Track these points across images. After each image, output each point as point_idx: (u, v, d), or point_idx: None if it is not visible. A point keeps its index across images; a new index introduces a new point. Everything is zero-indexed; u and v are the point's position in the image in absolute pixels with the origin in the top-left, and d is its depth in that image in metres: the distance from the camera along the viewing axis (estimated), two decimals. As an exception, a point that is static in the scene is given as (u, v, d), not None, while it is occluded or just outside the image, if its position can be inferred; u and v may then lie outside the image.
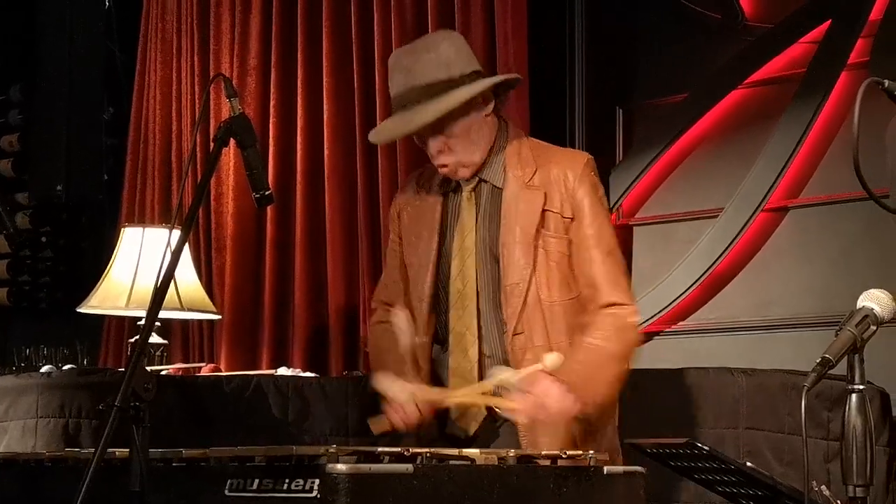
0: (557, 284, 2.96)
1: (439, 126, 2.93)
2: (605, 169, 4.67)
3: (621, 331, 2.94)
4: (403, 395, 2.93)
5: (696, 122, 4.51)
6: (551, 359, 2.86)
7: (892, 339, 3.14)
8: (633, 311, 2.98)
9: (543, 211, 2.96)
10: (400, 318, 3.01)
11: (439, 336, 3.06)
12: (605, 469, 2.64)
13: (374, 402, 3.05)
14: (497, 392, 2.91)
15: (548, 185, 2.97)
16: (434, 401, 2.96)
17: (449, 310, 3.02)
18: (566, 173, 2.98)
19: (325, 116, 5.17)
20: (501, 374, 2.88)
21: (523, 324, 2.95)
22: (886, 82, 2.30)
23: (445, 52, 2.93)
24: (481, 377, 2.97)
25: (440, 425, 3.03)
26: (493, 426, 2.99)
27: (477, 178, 3.02)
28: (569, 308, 2.97)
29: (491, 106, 2.99)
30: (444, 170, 3.00)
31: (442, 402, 2.97)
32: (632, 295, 3.01)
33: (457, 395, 2.96)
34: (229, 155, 5.21)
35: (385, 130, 3.11)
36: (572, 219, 2.97)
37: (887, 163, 3.10)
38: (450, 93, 2.90)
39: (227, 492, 2.44)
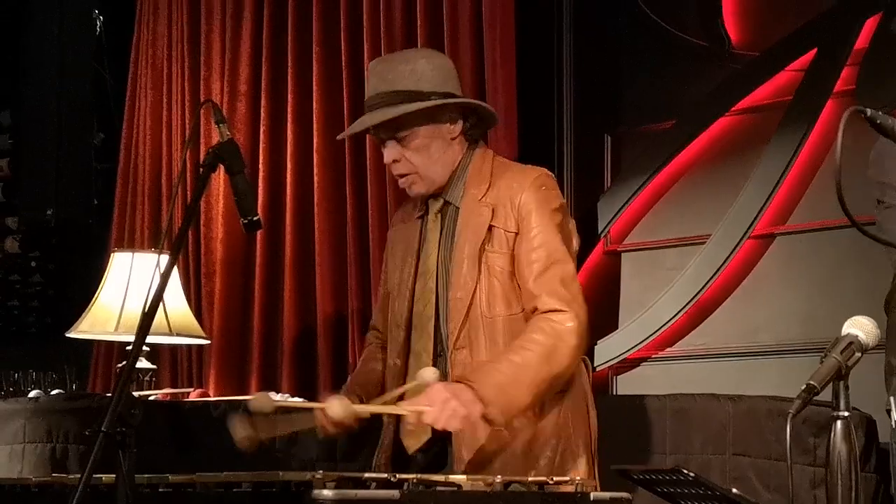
0: (500, 300, 2.96)
1: (397, 132, 2.97)
2: (592, 195, 4.71)
3: (553, 335, 2.88)
4: (338, 411, 2.87)
5: (684, 150, 4.53)
6: (428, 373, 2.85)
7: (877, 366, 3.15)
8: (570, 317, 2.89)
9: (490, 227, 2.97)
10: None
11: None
12: (592, 495, 2.65)
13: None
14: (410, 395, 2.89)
15: (497, 200, 2.98)
16: (357, 412, 2.90)
17: (411, 331, 3.04)
18: (515, 188, 2.98)
19: (314, 141, 5.18)
20: (425, 375, 2.88)
21: (465, 338, 2.96)
22: (869, 111, 2.32)
23: (421, 67, 2.98)
24: None
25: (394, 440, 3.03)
26: (434, 446, 2.98)
27: (442, 200, 3.04)
28: (511, 324, 2.96)
29: (458, 128, 3.01)
30: (401, 181, 3.04)
31: (361, 413, 2.91)
32: (572, 301, 2.91)
33: (371, 407, 2.94)
34: (218, 180, 5.22)
35: (348, 129, 3.19)
36: (516, 233, 2.96)
37: (869, 176, 3.13)
38: (412, 103, 2.93)
39: (213, 517, 2.44)
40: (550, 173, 3.07)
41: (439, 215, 3.05)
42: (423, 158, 2.98)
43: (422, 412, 2.81)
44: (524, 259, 2.95)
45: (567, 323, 2.89)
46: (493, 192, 2.99)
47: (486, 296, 2.96)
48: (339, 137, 3.29)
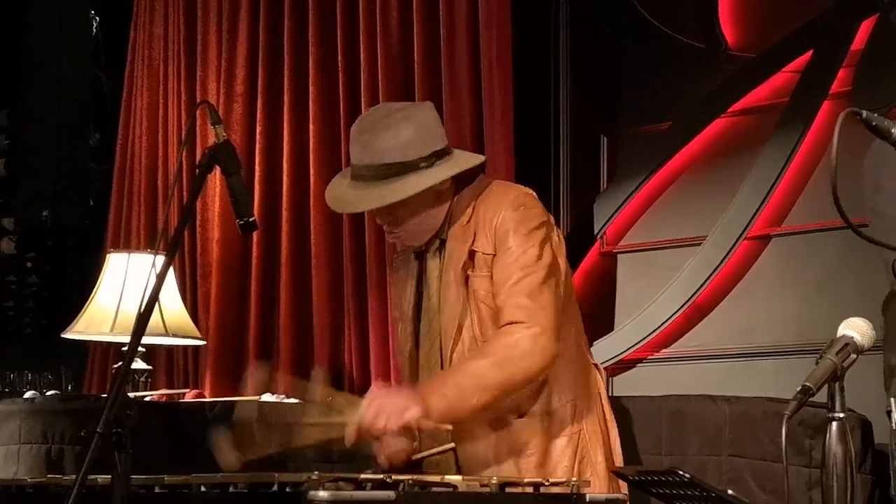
0: (489, 322, 2.94)
1: (386, 209, 2.95)
2: (589, 197, 4.71)
3: (508, 344, 2.84)
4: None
5: (680, 151, 4.53)
6: None
7: (873, 367, 3.15)
8: (528, 325, 2.84)
9: (472, 252, 2.96)
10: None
11: None
12: (588, 496, 2.65)
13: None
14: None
15: (477, 225, 2.96)
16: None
17: (419, 371, 3.04)
18: (492, 210, 2.96)
19: (310, 143, 5.18)
20: None
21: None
22: (864, 113, 2.32)
23: (404, 134, 2.91)
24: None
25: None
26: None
27: (438, 240, 3.03)
28: None
29: (447, 185, 2.98)
30: (392, 237, 3.03)
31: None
32: (537, 311, 2.87)
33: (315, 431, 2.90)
34: (214, 181, 5.22)
35: (335, 200, 3.08)
36: (494, 254, 2.94)
37: (865, 191, 3.12)
38: (402, 177, 2.90)
39: (209, 518, 2.44)
40: (531, 192, 3.02)
41: (437, 253, 3.05)
42: (415, 219, 2.97)
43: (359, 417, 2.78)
44: (499, 277, 2.92)
45: (523, 332, 2.85)
46: (475, 218, 2.98)
47: (477, 320, 2.95)
48: (334, 209, 3.18)
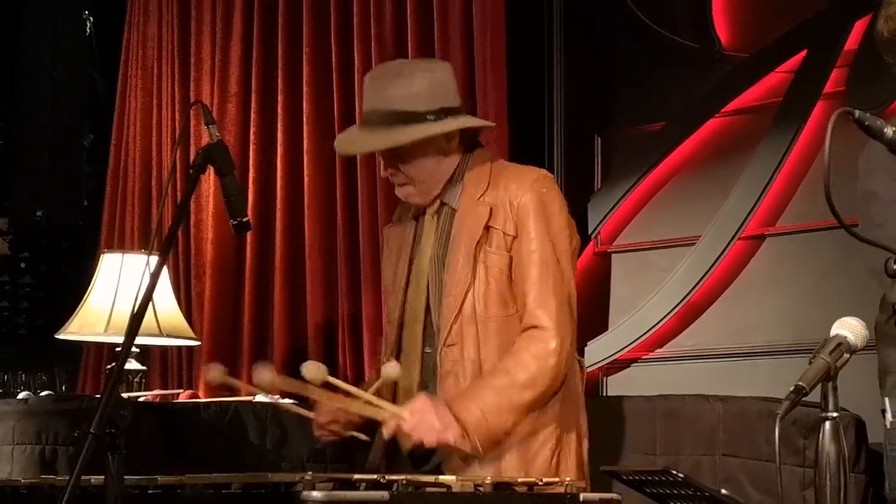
0: (494, 300, 2.96)
1: (391, 156, 2.98)
2: (583, 196, 4.71)
3: (537, 358, 2.91)
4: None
5: (674, 151, 4.53)
6: (391, 368, 2.93)
7: (866, 367, 3.16)
8: (552, 336, 2.92)
9: (488, 227, 2.97)
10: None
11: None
12: (581, 496, 2.65)
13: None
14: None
15: (495, 201, 2.99)
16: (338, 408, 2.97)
17: (403, 329, 3.05)
18: (514, 190, 2.98)
19: (304, 143, 5.18)
20: (388, 370, 2.94)
21: (456, 335, 2.96)
22: (857, 112, 2.32)
23: (418, 85, 2.96)
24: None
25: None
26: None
27: (439, 202, 3.05)
28: (504, 325, 2.96)
29: (454, 141, 3.01)
30: (398, 190, 3.07)
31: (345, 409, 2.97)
32: (558, 317, 2.93)
33: (354, 405, 2.96)
34: (208, 181, 5.21)
35: (341, 143, 3.16)
36: (515, 236, 2.96)
37: (857, 188, 3.13)
38: (407, 126, 2.93)
39: (202, 519, 2.44)
40: (549, 174, 3.08)
41: (436, 216, 3.06)
42: (419, 172, 3.00)
43: (401, 418, 2.83)
44: (522, 262, 2.95)
45: (550, 343, 2.92)
46: (492, 193, 3.00)
47: (483, 295, 2.96)
48: (338, 152, 3.22)
